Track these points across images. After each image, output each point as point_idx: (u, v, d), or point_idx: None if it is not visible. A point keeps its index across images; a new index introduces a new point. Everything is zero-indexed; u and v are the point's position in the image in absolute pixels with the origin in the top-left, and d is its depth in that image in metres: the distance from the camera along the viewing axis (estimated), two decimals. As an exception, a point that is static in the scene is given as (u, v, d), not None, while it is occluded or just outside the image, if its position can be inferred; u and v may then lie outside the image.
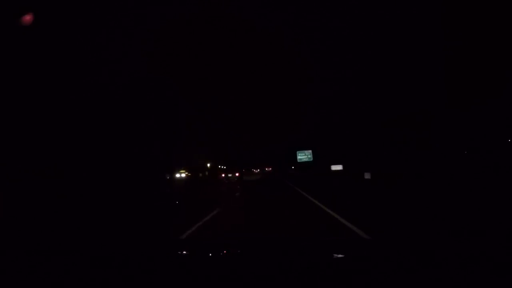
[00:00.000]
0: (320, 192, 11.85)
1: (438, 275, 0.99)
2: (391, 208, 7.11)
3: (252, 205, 9.73)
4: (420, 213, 6.03)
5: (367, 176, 19.34)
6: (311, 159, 49.72)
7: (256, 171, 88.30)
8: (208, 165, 50.02)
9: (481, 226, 4.51)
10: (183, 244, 2.17)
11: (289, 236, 4.48)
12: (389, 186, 13.02)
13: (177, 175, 38.78)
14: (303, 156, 50.21)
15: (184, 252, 1.66)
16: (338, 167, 38.43)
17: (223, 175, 51.08)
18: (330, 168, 39.49)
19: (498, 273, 0.97)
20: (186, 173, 42.30)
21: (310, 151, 50.00)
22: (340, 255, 1.44)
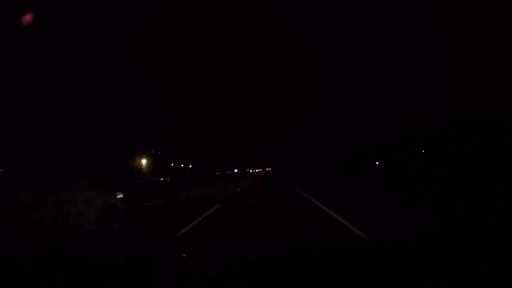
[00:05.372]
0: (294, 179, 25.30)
1: (437, 275, 0.97)
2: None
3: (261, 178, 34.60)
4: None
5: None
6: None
7: (259, 170, 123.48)
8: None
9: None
10: (176, 245, 2.17)
11: (286, 237, 4.47)
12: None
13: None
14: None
15: (177, 253, 1.66)
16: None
17: (250, 170, 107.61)
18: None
19: (497, 272, 0.95)
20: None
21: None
22: (336, 255, 1.42)
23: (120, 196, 5.83)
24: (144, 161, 28.46)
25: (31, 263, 1.27)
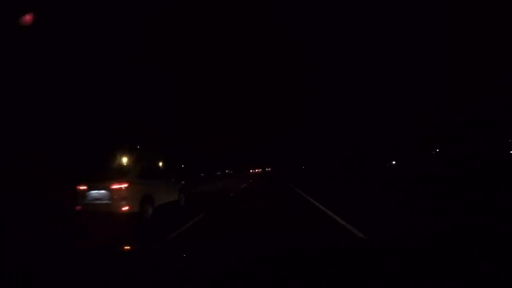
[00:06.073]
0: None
1: (437, 275, 0.97)
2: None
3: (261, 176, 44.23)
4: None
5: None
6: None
7: (259, 170, 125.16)
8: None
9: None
10: (174, 245, 2.17)
11: (285, 237, 4.47)
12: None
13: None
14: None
15: (175, 253, 1.66)
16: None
17: (251, 170, 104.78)
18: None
19: (497, 272, 0.95)
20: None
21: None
22: (336, 255, 1.42)
23: (183, 183, 10.14)
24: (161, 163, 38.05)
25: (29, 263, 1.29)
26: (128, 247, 1.77)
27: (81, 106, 18.94)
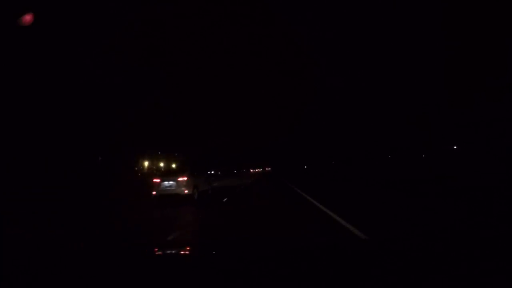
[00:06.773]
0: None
1: (437, 275, 0.97)
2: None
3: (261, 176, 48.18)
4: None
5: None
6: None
7: (259, 170, 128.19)
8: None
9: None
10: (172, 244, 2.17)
11: (285, 237, 4.48)
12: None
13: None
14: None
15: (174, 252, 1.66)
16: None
17: (251, 170, 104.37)
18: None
19: (497, 272, 0.95)
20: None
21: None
22: (336, 255, 1.42)
23: (211, 178, 15.56)
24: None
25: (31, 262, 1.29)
26: (128, 248, 1.77)
27: (79, 105, 18.94)
